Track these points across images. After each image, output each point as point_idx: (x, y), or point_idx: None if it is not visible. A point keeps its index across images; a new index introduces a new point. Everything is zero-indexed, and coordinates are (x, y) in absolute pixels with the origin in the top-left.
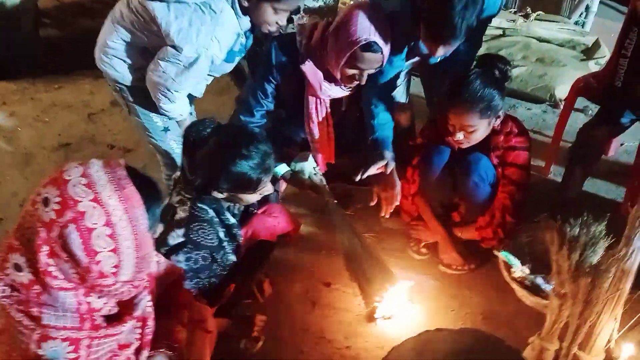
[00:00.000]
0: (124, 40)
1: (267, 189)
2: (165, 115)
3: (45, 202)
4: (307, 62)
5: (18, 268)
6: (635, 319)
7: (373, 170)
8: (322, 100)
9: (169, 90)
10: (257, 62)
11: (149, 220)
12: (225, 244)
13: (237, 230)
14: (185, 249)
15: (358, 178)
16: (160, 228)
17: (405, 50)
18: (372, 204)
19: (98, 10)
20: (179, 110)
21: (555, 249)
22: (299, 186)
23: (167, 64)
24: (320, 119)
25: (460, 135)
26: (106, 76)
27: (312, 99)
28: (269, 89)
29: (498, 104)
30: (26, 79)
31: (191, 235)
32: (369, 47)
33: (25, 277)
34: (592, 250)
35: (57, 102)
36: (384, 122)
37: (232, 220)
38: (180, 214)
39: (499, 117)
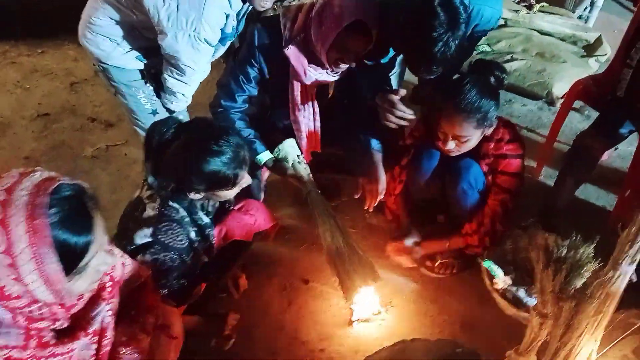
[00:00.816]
0: (111, 18)
1: (245, 180)
2: (172, 101)
3: None
4: (290, 46)
5: None
6: (614, 343)
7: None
8: (307, 86)
9: (185, 75)
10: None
11: (63, 261)
12: (196, 244)
13: (210, 231)
14: (153, 250)
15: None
16: (88, 276)
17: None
18: (357, 196)
19: None
20: (190, 93)
21: (540, 267)
22: (281, 174)
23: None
24: (306, 105)
25: (451, 145)
26: (89, 54)
27: (296, 85)
28: (252, 73)
29: (494, 114)
30: (7, 41)
31: (159, 236)
32: (356, 28)
33: None
34: (578, 273)
35: (39, 67)
36: None
37: (206, 219)
38: (149, 211)
39: (492, 125)
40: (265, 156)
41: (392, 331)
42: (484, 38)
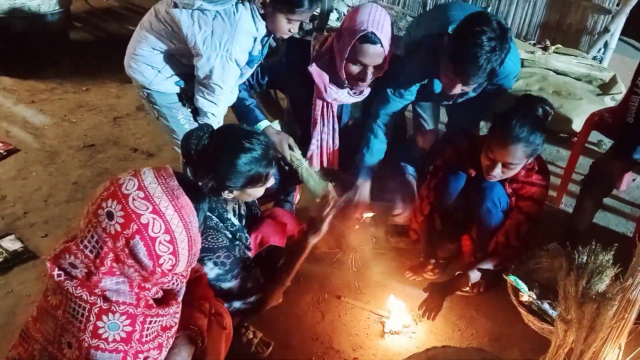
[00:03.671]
0: (153, 48)
1: (270, 181)
2: (205, 122)
3: (110, 215)
4: (314, 64)
5: (73, 266)
6: (637, 350)
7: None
8: (329, 105)
9: (215, 94)
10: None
11: (199, 217)
12: (236, 242)
13: (241, 234)
14: (205, 257)
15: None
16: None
17: (417, 86)
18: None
19: (126, 16)
20: (220, 113)
21: (563, 274)
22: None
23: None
24: (326, 123)
25: (498, 171)
26: (134, 82)
27: (319, 102)
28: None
29: (541, 148)
30: (55, 80)
31: (203, 244)
32: (367, 38)
33: (79, 272)
34: (599, 278)
35: (83, 103)
36: (375, 152)
37: (237, 223)
38: None
39: (534, 157)
40: (264, 124)
41: (422, 343)
42: None
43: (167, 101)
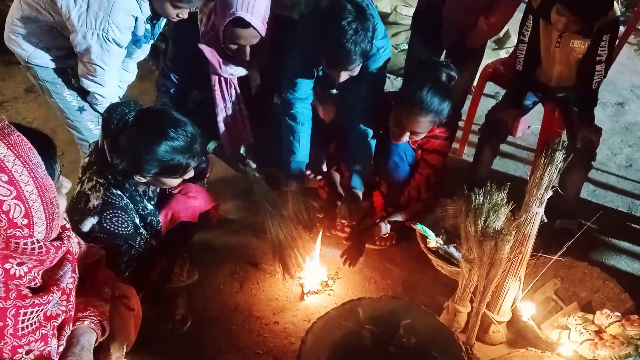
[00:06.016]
0: (31, 19)
1: (189, 173)
2: (93, 102)
3: None
4: (202, 40)
5: None
6: (536, 279)
7: None
8: (227, 79)
9: (96, 74)
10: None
11: (48, 170)
12: (141, 230)
13: (153, 218)
14: (99, 238)
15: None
16: (65, 184)
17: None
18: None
19: None
20: (109, 94)
21: (463, 216)
22: (226, 160)
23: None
24: (228, 97)
25: (406, 138)
26: (17, 56)
27: (215, 78)
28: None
29: (446, 114)
30: None
31: (104, 224)
32: (238, 22)
33: None
34: (495, 216)
35: None
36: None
37: (149, 207)
38: (93, 201)
39: (442, 122)
40: (213, 144)
41: (341, 299)
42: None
43: (49, 76)
